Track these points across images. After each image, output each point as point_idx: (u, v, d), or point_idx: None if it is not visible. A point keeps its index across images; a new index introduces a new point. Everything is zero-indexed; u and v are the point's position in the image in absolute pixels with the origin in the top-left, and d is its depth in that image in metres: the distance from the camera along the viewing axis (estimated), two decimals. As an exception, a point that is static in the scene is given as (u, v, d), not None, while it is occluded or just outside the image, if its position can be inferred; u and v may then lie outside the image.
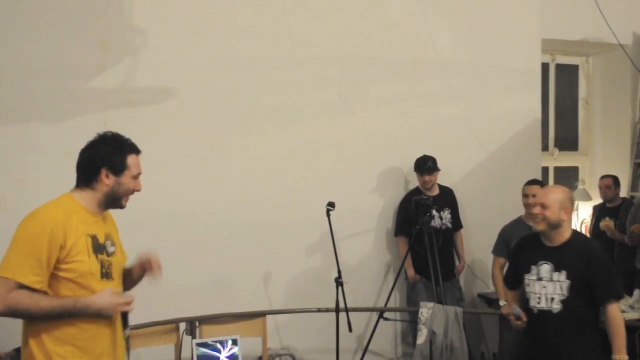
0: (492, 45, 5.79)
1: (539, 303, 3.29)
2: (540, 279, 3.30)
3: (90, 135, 2.56)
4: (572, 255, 3.26)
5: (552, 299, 3.25)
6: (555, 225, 3.27)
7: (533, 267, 3.33)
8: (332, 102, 5.27)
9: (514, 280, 3.51)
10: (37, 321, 2.31)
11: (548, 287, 3.27)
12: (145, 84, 4.71)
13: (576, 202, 6.71)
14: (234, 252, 4.89)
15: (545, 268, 3.29)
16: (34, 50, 4.40)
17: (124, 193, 2.53)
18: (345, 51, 5.27)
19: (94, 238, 2.43)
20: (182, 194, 4.76)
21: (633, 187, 6.24)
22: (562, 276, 3.24)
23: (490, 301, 5.45)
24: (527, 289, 3.35)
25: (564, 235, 3.30)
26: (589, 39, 6.18)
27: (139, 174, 2.58)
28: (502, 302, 4.71)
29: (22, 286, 2.26)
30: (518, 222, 4.82)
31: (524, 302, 3.40)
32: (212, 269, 4.82)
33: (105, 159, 2.47)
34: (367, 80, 5.38)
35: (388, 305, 5.13)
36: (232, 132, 4.97)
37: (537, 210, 3.29)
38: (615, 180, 5.88)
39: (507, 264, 4.77)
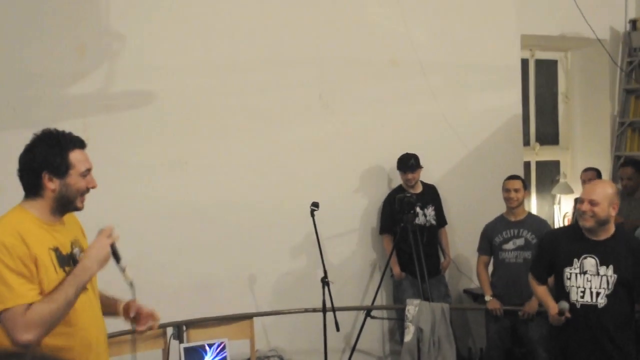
0: (471, 42, 5.81)
1: (582, 297, 3.19)
2: (584, 273, 3.19)
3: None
4: (619, 249, 3.17)
5: (598, 293, 3.16)
6: (604, 222, 3.17)
7: (576, 261, 3.22)
8: (313, 104, 5.27)
9: (545, 273, 3.43)
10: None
11: (593, 281, 3.17)
12: (124, 89, 4.67)
13: (558, 196, 6.77)
14: (219, 255, 4.88)
15: (590, 262, 3.19)
16: (9, 57, 4.35)
17: (75, 194, 2.30)
18: (325, 53, 5.27)
19: (56, 251, 2.26)
20: (164, 198, 4.72)
21: (614, 180, 6.27)
22: (609, 271, 3.15)
23: (476, 296, 5.48)
24: (568, 283, 3.24)
25: (610, 230, 3.21)
26: (567, 34, 6.22)
27: (89, 169, 2.34)
28: (487, 298, 4.79)
29: (28, 306, 2.13)
30: (500, 220, 4.84)
31: (562, 296, 3.30)
32: (197, 272, 4.79)
33: (43, 162, 2.24)
34: (347, 81, 5.38)
35: (375, 304, 5.16)
36: (213, 135, 4.94)
37: (585, 207, 3.16)
38: (598, 173, 5.89)
39: (491, 259, 4.87)
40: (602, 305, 3.14)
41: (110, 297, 2.63)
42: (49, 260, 2.21)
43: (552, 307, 3.29)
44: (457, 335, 5.00)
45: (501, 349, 4.81)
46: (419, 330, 4.49)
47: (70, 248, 2.33)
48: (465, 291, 5.74)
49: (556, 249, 3.37)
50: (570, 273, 3.23)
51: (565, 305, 3.24)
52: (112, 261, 2.42)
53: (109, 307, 2.58)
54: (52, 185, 2.26)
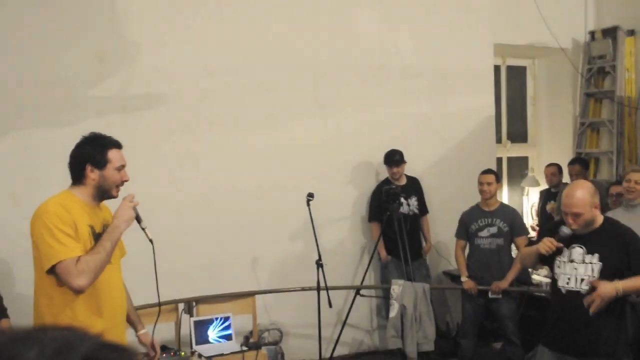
0: (449, 50, 5.84)
1: (567, 283, 3.07)
2: (572, 261, 3.07)
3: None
4: (604, 239, 3.04)
5: (582, 280, 3.03)
6: (590, 223, 3.05)
7: (565, 250, 3.09)
8: (310, 105, 5.31)
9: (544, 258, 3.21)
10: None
11: (579, 269, 3.05)
12: (140, 92, 4.70)
13: (526, 188, 6.85)
14: (225, 239, 4.92)
15: (578, 251, 3.07)
16: (39, 63, 4.39)
17: (111, 184, 2.53)
18: (321, 59, 5.31)
19: (91, 227, 2.47)
20: (176, 189, 4.77)
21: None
22: (594, 259, 3.03)
23: (453, 277, 5.51)
24: (557, 270, 3.12)
25: (598, 221, 3.09)
26: (535, 43, 6.26)
27: (123, 165, 2.56)
28: (463, 278, 4.81)
29: (77, 258, 2.35)
30: (475, 209, 4.88)
31: (552, 282, 3.20)
32: (206, 254, 4.83)
33: (87, 157, 2.49)
34: (340, 85, 5.41)
35: (363, 284, 5.17)
36: (220, 132, 4.98)
37: (570, 220, 3.01)
38: (559, 168, 5.90)
39: (467, 245, 4.94)
40: (585, 291, 2.99)
41: (136, 315, 2.88)
42: (86, 233, 2.44)
43: (541, 245, 3.08)
44: (437, 311, 5.03)
45: (475, 323, 4.82)
46: (403, 307, 4.53)
47: (101, 228, 2.54)
48: (444, 272, 5.78)
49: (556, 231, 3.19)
50: (560, 261, 3.11)
51: (566, 230, 3.04)
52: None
53: (131, 323, 2.83)
54: (93, 175, 2.50)
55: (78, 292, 2.37)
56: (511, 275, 4.65)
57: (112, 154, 2.53)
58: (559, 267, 3.12)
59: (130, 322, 2.82)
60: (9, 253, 4.09)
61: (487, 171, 4.88)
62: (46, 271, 2.36)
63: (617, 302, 2.99)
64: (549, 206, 5.74)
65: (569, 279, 3.07)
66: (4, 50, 4.33)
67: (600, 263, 3.01)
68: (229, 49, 5.01)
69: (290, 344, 5.15)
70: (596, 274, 3.00)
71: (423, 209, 5.48)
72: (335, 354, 5.06)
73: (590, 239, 3.06)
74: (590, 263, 3.03)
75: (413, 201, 5.38)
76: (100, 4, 4.62)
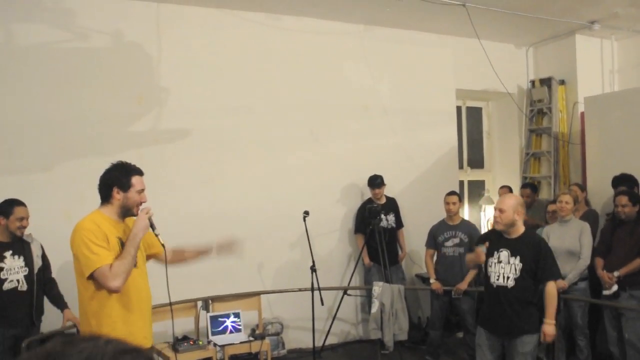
0: (420, 93, 5.89)
1: (497, 280, 3.19)
2: (500, 262, 3.20)
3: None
4: (524, 245, 3.17)
5: (508, 277, 3.16)
6: (511, 225, 3.18)
7: (495, 253, 3.23)
8: (306, 137, 5.33)
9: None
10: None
11: (505, 268, 3.17)
12: (169, 127, 4.72)
13: (483, 205, 6.85)
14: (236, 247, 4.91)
15: (504, 254, 3.19)
16: (87, 102, 4.41)
17: (133, 204, 2.50)
18: (315, 100, 5.34)
19: (119, 239, 2.46)
20: (197, 206, 4.76)
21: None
22: (516, 260, 3.15)
23: (424, 279, 5.49)
24: (489, 269, 3.24)
25: (519, 230, 3.21)
26: (489, 89, 6.29)
27: (143, 189, 2.53)
28: (432, 281, 4.81)
29: (110, 265, 2.33)
30: (442, 223, 4.89)
31: (485, 279, 3.31)
32: (220, 260, 4.67)
33: (115, 180, 2.47)
34: (331, 120, 5.44)
35: (350, 285, 5.18)
36: (232, 160, 4.98)
37: (496, 214, 3.18)
38: (510, 189, 5.85)
39: (435, 252, 4.96)
40: (511, 286, 3.14)
41: (179, 249, 2.82)
42: (116, 244, 2.43)
43: (482, 259, 3.30)
44: (410, 307, 5.02)
45: (441, 317, 4.83)
46: (382, 305, 4.52)
47: (127, 239, 2.50)
48: (417, 275, 5.77)
49: (490, 239, 3.36)
50: (491, 262, 3.23)
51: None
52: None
53: (180, 255, 2.81)
54: (118, 196, 2.48)
55: (115, 291, 2.35)
56: (468, 278, 4.65)
57: (135, 179, 2.51)
58: (490, 266, 3.24)
59: (182, 256, 2.82)
60: (64, 258, 4.04)
61: (452, 193, 4.91)
62: (86, 277, 2.34)
63: (533, 295, 3.15)
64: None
65: (498, 276, 3.19)
66: (66, 94, 4.36)
67: (521, 264, 3.14)
68: (242, 92, 5.03)
69: (289, 334, 5.12)
70: (518, 272, 3.13)
71: (399, 223, 5.47)
72: (327, 342, 5.05)
73: (514, 244, 3.19)
74: (514, 264, 3.15)
75: (391, 217, 5.37)
76: (139, 57, 4.65)
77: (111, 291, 2.34)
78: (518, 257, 3.15)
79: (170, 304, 2.69)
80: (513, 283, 3.14)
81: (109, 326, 2.36)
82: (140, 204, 2.53)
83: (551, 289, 3.15)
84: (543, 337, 3.15)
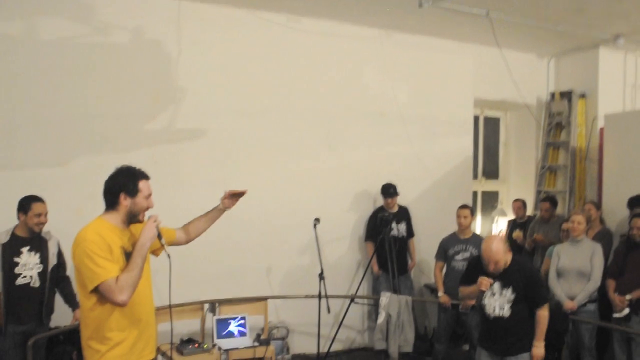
0: (438, 102, 5.83)
1: (493, 312, 3.28)
2: (493, 294, 3.29)
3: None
4: (514, 274, 3.25)
5: (503, 307, 3.25)
6: (505, 264, 3.29)
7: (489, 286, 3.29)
8: (321, 142, 5.29)
9: (469, 284, 3.44)
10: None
11: (499, 300, 3.27)
12: (183, 127, 4.70)
13: (496, 217, 6.77)
14: (245, 252, 4.87)
15: (496, 286, 3.28)
16: (105, 101, 4.40)
17: (139, 210, 2.39)
18: (331, 106, 5.29)
19: (123, 248, 2.34)
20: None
21: (536, 207, 6.32)
22: (509, 291, 3.24)
23: (432, 290, 5.46)
24: (485, 301, 3.33)
25: (508, 261, 3.30)
26: (507, 99, 6.23)
27: (150, 194, 2.42)
28: (440, 293, 4.73)
29: (116, 278, 2.24)
30: (453, 236, 4.81)
31: (481, 308, 3.39)
32: (228, 264, 4.79)
33: (122, 186, 2.35)
34: (347, 127, 5.39)
35: (357, 293, 5.12)
36: (245, 162, 4.95)
37: (492, 268, 3.24)
38: (524, 203, 5.86)
39: (445, 265, 4.88)
40: (507, 315, 3.24)
41: (198, 218, 2.78)
42: (119, 254, 2.31)
43: (483, 285, 3.30)
44: (417, 317, 4.97)
45: (447, 330, 4.78)
46: (389, 315, 4.50)
47: (131, 248, 2.40)
48: (425, 285, 5.72)
49: (479, 273, 3.37)
50: (486, 295, 3.31)
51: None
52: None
53: (200, 220, 2.80)
54: (125, 202, 2.36)
55: (121, 305, 2.26)
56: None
57: (142, 184, 2.40)
58: (484, 299, 3.34)
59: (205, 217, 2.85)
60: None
61: (464, 206, 4.84)
62: (90, 291, 2.26)
63: (528, 319, 3.27)
64: (515, 234, 5.65)
65: (493, 308, 3.29)
66: (82, 89, 4.34)
67: (515, 294, 3.24)
68: (258, 94, 4.99)
69: (294, 339, 5.11)
70: (512, 300, 3.23)
71: (410, 232, 5.42)
72: (331, 349, 5.01)
73: (505, 276, 3.28)
74: (506, 295, 3.25)
75: (402, 226, 5.32)
76: (158, 54, 4.63)
77: (117, 305, 2.25)
78: (510, 288, 3.25)
79: (170, 306, 2.58)
80: (509, 312, 3.25)
81: (110, 340, 2.30)
82: (147, 209, 2.43)
83: (543, 312, 3.26)
84: None
